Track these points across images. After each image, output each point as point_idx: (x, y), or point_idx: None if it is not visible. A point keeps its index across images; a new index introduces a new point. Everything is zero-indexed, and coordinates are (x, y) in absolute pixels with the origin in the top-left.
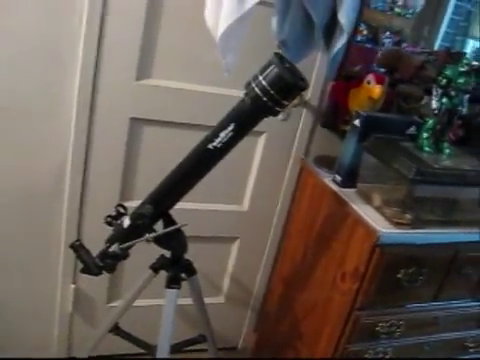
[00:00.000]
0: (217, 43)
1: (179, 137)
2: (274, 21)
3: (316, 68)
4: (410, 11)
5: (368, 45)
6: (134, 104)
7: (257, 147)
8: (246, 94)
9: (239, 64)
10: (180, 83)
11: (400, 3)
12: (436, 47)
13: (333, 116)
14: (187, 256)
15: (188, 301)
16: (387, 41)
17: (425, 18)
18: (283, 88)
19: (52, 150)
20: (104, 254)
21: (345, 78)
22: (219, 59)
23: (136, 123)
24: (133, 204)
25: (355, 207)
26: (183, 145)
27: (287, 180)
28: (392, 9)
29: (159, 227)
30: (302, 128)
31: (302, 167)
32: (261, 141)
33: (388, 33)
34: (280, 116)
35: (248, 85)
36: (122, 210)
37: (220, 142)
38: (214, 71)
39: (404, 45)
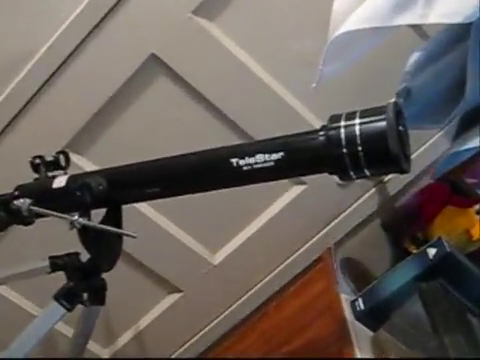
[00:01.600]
0: (328, 42)
1: (194, 112)
2: (414, 57)
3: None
4: None
5: None
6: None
7: (283, 196)
8: (324, 128)
9: (332, 86)
10: (240, 50)
11: None
12: None
13: (403, 223)
14: (106, 277)
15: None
16: None
17: None
18: (378, 155)
19: None
20: (4, 201)
21: (451, 185)
22: (313, 58)
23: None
24: (83, 163)
25: (358, 356)
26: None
27: (293, 259)
28: None
29: (96, 218)
30: (355, 207)
31: (322, 258)
32: (293, 192)
33: None
34: (338, 180)
35: (334, 120)
36: (62, 161)
37: (249, 165)
38: (293, 65)
39: None
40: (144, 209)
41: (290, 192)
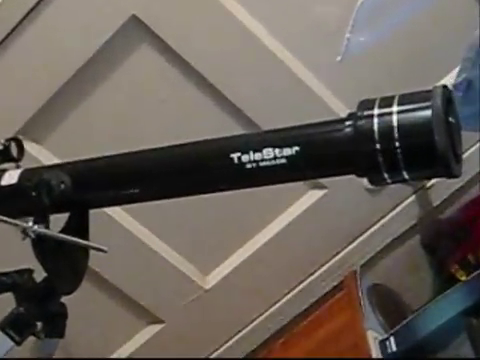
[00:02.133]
0: (357, 4)
1: (184, 92)
2: (476, 37)
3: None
4: None
5: None
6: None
7: (297, 203)
8: (352, 117)
9: (363, 63)
10: (245, 13)
11: None
12: None
13: (449, 242)
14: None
15: None
16: None
17: None
18: (421, 153)
19: None
20: None
21: None
22: (337, 26)
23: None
24: (40, 154)
25: None
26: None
27: (307, 285)
28: None
29: (56, 226)
30: (387, 220)
31: (344, 284)
32: (309, 198)
33: None
34: (367, 183)
35: (365, 106)
36: (14, 151)
37: (254, 162)
38: (312, 35)
39: None
40: (118, 216)
41: (305, 198)
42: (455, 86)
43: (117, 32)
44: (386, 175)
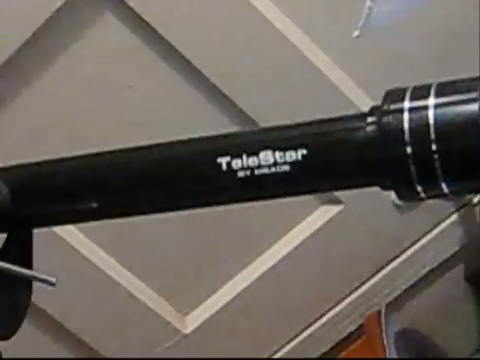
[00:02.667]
0: None
1: (159, 75)
2: None
3: None
4: None
5: None
6: None
7: (303, 223)
8: (376, 111)
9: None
10: None
11: None
12: None
13: None
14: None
15: None
16: None
17: None
18: (466, 159)
19: None
20: None
21: None
22: None
23: None
24: None
25: None
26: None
27: (317, 329)
28: None
29: None
30: (421, 246)
31: (365, 328)
32: (319, 217)
33: None
34: (396, 198)
35: (393, 98)
36: None
37: (248, 169)
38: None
39: None
40: (72, 238)
41: (315, 217)
42: None
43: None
44: (420, 188)
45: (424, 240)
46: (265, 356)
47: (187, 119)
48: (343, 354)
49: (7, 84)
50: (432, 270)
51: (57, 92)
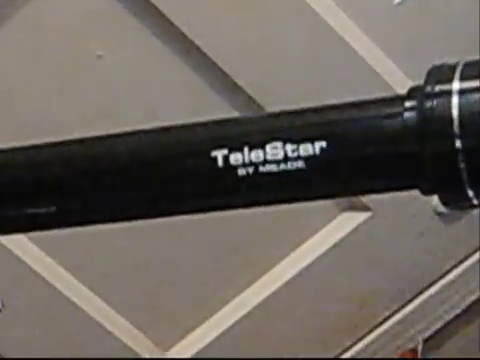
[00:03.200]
0: None
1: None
2: None
3: None
4: None
5: None
6: None
7: (321, 233)
8: (416, 94)
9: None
10: None
11: None
12: None
13: None
14: None
15: None
16: None
17: None
18: None
19: None
20: None
21: None
22: None
23: None
24: None
25: None
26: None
27: None
28: None
29: None
30: (469, 267)
31: None
32: (346, 224)
33: None
34: (439, 205)
35: (438, 77)
36: None
37: (251, 165)
38: None
39: None
40: (26, 253)
41: (337, 225)
42: None
43: None
44: (471, 192)
45: (473, 259)
46: None
47: (173, 99)
48: None
49: None
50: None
51: (11, 59)
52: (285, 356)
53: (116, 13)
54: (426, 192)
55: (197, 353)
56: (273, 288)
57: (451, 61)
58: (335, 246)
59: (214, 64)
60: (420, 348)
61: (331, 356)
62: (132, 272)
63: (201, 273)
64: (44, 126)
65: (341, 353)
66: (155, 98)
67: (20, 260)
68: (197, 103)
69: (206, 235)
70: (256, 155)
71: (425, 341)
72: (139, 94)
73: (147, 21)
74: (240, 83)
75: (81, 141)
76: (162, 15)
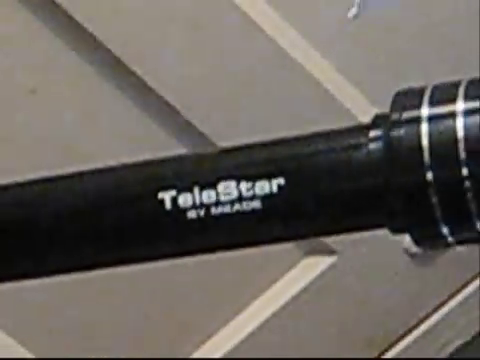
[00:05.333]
0: None
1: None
2: None
3: None
4: None
5: None
6: None
7: (287, 278)
8: (381, 122)
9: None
10: None
11: None
12: None
13: None
14: None
15: None
16: None
17: None
18: None
19: None
20: None
21: None
22: None
23: None
24: None
25: None
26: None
27: None
28: None
29: None
30: (447, 313)
31: None
32: (310, 270)
33: None
34: (411, 245)
35: (406, 102)
36: None
37: (202, 207)
38: None
39: None
40: None
41: (300, 271)
42: None
43: None
44: (446, 229)
45: (452, 303)
46: None
47: (113, 135)
48: None
49: None
50: (464, 345)
51: None
52: None
53: (50, 41)
54: (396, 231)
55: None
56: (237, 337)
57: (419, 84)
58: (298, 295)
59: (160, 97)
60: None
61: None
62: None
63: (162, 323)
64: None
65: None
66: (95, 134)
67: None
68: (142, 140)
69: (167, 284)
70: (207, 195)
71: None
72: (77, 129)
73: (85, 48)
74: (188, 117)
75: (14, 186)
76: (99, 42)
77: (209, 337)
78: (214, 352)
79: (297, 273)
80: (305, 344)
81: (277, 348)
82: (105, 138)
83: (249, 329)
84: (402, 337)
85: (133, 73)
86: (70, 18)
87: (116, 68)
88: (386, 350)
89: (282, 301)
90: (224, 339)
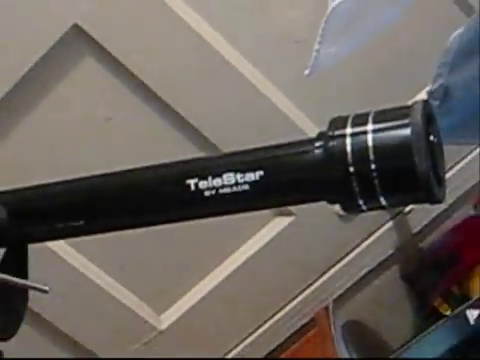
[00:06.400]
0: (327, 13)
1: (133, 109)
2: (453, 41)
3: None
4: None
5: None
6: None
7: (260, 232)
8: (322, 137)
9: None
10: (202, 22)
11: None
12: None
13: (432, 272)
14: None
15: None
16: None
17: None
18: (400, 176)
19: None
20: None
21: None
22: (303, 36)
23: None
24: None
25: None
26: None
27: (274, 323)
28: None
29: None
30: (362, 250)
31: (315, 322)
32: (274, 227)
33: None
34: (340, 210)
35: (337, 125)
36: None
37: (213, 188)
38: (276, 46)
39: None
40: (62, 251)
41: (270, 227)
42: (431, 93)
43: (57, 44)
44: (361, 202)
45: (364, 245)
46: (235, 343)
47: (155, 144)
48: (298, 343)
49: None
50: (371, 270)
51: (47, 126)
52: (240, 312)
53: (117, 87)
54: (331, 202)
55: (182, 314)
56: (232, 268)
57: (347, 113)
58: (271, 241)
59: (187, 123)
60: (331, 306)
61: (270, 312)
62: (129, 252)
63: (179, 259)
64: (70, 170)
65: (276, 312)
66: (147, 146)
67: (59, 256)
68: (174, 146)
69: (183, 235)
70: (216, 181)
71: (334, 301)
72: (134, 143)
73: (140, 91)
74: (206, 134)
75: (98, 176)
76: (150, 89)
77: (199, 280)
78: (200, 291)
79: (269, 227)
80: (272, 281)
81: (258, 281)
82: (152, 149)
83: (227, 273)
84: (335, 264)
85: (171, 107)
86: (133, 76)
87: (156, 106)
88: (325, 272)
89: (257, 247)
90: (208, 282)
